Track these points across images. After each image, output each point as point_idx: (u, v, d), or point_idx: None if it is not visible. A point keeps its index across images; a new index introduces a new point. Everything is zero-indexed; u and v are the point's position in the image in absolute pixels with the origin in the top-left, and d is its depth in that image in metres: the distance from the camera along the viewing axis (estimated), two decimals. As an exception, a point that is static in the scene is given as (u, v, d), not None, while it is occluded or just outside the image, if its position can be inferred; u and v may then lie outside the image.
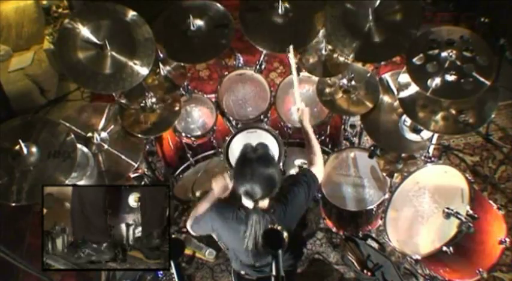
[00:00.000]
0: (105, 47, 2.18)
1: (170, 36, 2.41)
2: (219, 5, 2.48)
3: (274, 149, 2.58)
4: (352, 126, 3.07)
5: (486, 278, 2.42)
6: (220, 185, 2.06)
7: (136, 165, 2.40)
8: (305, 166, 2.73)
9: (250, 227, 1.83)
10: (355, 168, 2.67)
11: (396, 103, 2.41)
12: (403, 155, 2.45)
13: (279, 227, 1.62)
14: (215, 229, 1.98)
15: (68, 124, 2.34)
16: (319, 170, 2.05)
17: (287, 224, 1.85)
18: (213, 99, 2.79)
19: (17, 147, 2.02)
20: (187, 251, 2.97)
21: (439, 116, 2.16)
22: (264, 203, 1.88)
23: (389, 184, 2.52)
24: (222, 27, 2.42)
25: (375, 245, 2.75)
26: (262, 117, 2.73)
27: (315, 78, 2.55)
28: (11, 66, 3.78)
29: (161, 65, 2.45)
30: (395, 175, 2.47)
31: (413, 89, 2.18)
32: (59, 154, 2.08)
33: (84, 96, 3.94)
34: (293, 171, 2.76)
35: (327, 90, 2.53)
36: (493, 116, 2.11)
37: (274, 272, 1.57)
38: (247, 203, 1.87)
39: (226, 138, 2.65)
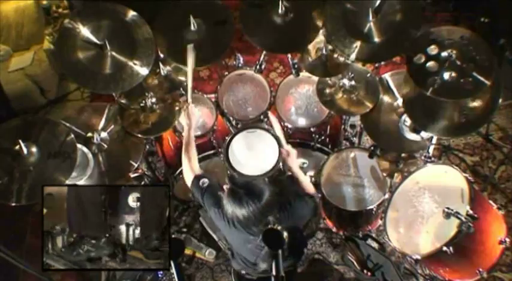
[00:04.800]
0: (105, 47, 2.18)
1: (170, 37, 2.40)
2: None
3: (274, 149, 2.57)
4: (352, 126, 3.08)
5: (486, 278, 2.42)
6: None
7: (136, 165, 2.40)
8: (305, 165, 2.75)
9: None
10: (355, 168, 2.66)
11: (396, 103, 2.41)
12: (403, 155, 2.45)
13: (279, 227, 1.62)
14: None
15: (68, 124, 2.34)
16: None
17: (287, 225, 1.85)
18: (213, 99, 2.79)
19: (17, 147, 2.02)
20: (187, 251, 2.97)
21: (438, 116, 2.16)
22: None
23: (389, 184, 2.51)
24: (221, 23, 2.40)
25: (375, 245, 2.75)
26: (262, 117, 2.72)
27: (315, 78, 2.55)
28: (11, 66, 3.77)
29: (161, 65, 2.45)
30: (395, 175, 2.47)
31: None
32: (59, 154, 2.08)
33: (84, 96, 3.93)
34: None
35: (327, 90, 2.53)
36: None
37: (274, 272, 1.57)
38: None
39: (226, 138, 2.65)
